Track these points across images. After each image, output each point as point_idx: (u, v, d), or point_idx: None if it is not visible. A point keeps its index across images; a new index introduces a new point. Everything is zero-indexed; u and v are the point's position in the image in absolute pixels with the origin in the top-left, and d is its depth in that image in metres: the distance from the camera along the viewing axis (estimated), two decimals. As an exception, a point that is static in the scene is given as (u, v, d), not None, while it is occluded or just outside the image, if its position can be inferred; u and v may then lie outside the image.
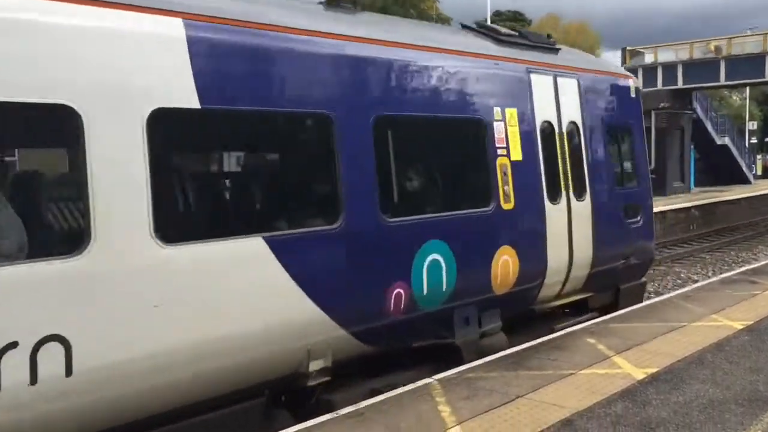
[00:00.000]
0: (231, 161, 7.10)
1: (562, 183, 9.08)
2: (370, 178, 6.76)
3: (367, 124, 6.77)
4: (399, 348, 7.35)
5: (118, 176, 5.00)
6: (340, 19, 7.13)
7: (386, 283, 6.92)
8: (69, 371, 4.74)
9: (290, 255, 6.05)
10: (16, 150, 6.55)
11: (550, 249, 8.86)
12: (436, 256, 7.34)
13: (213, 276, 5.54)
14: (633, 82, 10.88)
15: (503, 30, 9.50)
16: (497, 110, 8.32)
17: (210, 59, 5.62)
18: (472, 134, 8.20)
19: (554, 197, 8.98)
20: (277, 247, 5.93)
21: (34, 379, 4.57)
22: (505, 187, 8.23)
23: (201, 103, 5.50)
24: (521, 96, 8.69)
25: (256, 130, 6.45)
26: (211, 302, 5.52)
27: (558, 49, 9.78)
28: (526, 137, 8.62)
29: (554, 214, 8.92)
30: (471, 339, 7.97)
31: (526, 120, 8.66)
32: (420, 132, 7.81)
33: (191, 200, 6.16)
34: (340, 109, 6.53)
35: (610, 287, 10.26)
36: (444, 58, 7.74)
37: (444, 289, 7.52)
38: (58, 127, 5.05)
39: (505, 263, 8.24)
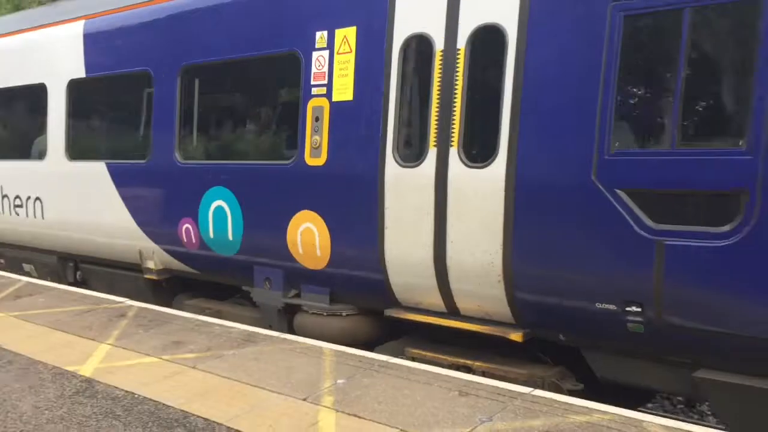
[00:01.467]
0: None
1: (433, 135, 5.88)
2: (171, 124, 8.04)
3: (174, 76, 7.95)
4: (217, 277, 8.17)
5: None
6: None
7: (176, 217, 7.99)
8: None
9: (120, 179, 8.57)
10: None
11: (390, 231, 6.17)
12: (220, 203, 7.45)
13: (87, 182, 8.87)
14: None
15: None
16: (321, 35, 6.30)
17: None
18: (277, 74, 7.03)
19: (410, 156, 6.08)
20: (113, 172, 8.64)
21: None
22: (315, 137, 6.36)
23: None
24: (370, 5, 6.15)
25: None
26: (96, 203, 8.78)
27: None
28: (368, 67, 6.12)
29: (405, 181, 6.07)
30: (271, 304, 7.28)
31: (372, 41, 6.11)
32: (220, 79, 7.80)
33: None
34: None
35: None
36: None
37: (230, 239, 7.45)
38: None
39: (308, 233, 6.67)
